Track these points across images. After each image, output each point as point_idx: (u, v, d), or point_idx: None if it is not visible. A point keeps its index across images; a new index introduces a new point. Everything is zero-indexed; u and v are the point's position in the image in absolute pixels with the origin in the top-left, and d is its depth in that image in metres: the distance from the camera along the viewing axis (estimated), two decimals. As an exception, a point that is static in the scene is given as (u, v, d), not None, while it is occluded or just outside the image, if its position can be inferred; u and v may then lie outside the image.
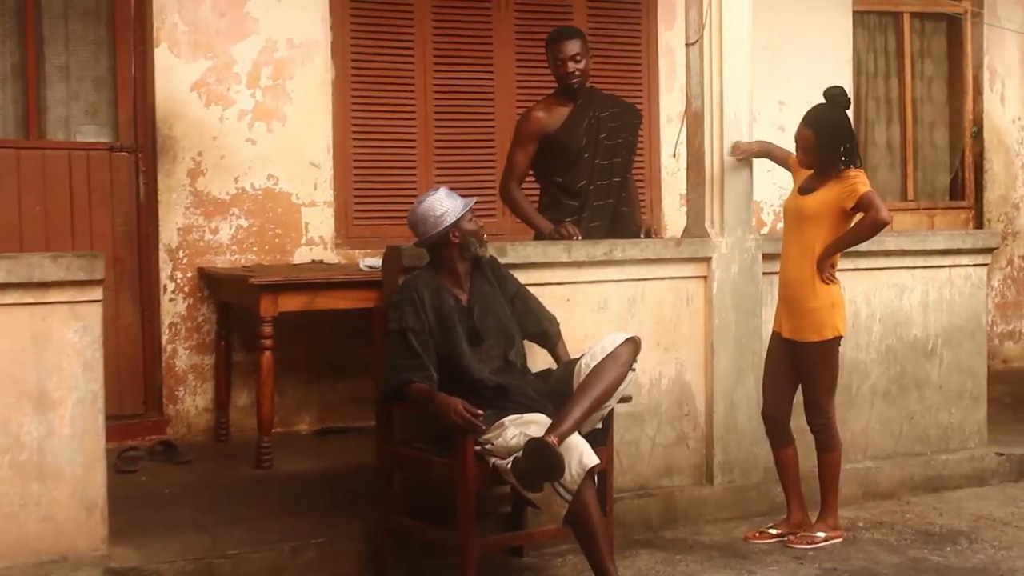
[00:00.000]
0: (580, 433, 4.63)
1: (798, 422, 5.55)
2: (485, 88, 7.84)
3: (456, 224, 4.94)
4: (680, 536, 5.62)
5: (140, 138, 7.04)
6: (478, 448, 4.65)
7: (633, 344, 4.86)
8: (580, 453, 4.51)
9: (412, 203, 5.08)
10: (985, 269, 6.72)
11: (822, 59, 8.79)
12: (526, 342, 5.16)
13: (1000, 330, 9.74)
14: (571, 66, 5.96)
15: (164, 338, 7.00)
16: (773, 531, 5.56)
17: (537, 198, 6.21)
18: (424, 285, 4.93)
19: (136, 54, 7.04)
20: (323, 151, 7.38)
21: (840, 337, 5.44)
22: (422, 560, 5.13)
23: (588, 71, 6.03)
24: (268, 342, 6.30)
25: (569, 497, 4.49)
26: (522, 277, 5.28)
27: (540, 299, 5.26)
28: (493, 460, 4.63)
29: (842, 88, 5.41)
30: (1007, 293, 9.82)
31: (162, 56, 6.97)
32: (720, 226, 5.91)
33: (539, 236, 5.95)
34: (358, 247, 7.42)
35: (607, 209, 6.10)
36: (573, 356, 5.09)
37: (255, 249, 7.19)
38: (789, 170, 5.65)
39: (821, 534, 5.48)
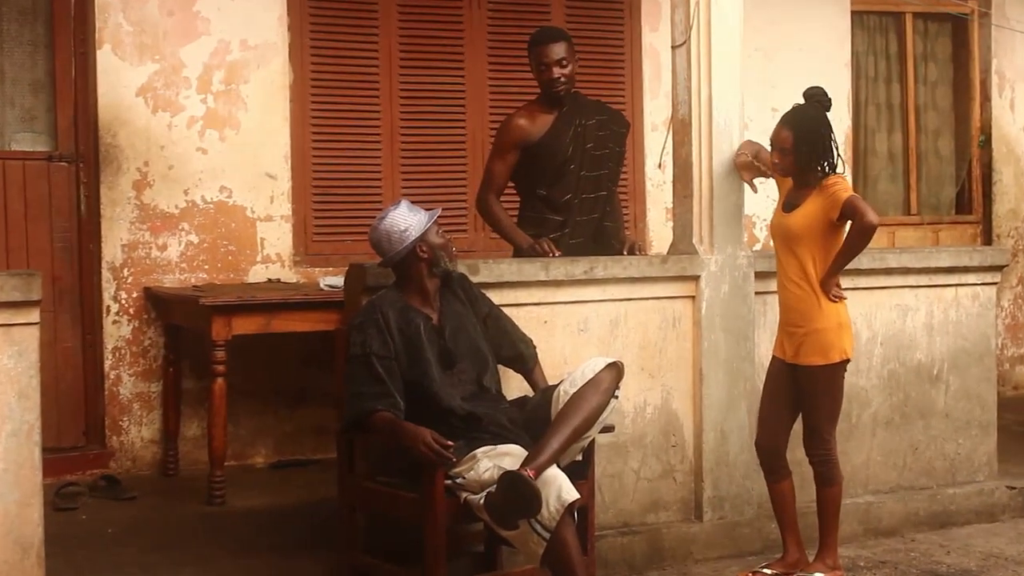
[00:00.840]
0: (559, 466, 4.62)
1: (793, 454, 5.56)
2: (455, 93, 7.86)
3: (423, 238, 4.94)
4: (667, 577, 5.62)
5: (81, 147, 7.03)
6: (448, 482, 4.63)
7: (616, 369, 4.86)
8: (559, 487, 4.50)
9: (376, 217, 5.08)
10: (994, 288, 6.75)
11: (818, 62, 8.83)
12: (500, 367, 5.16)
13: (1010, 354, 9.78)
14: (556, 71, 5.93)
15: (107, 364, 6.97)
16: (767, 571, 5.56)
17: (517, 212, 6.19)
18: (389, 306, 4.93)
19: (77, 56, 7.03)
20: (280, 161, 7.38)
21: (847, 361, 5.43)
22: (387, 604, 5.12)
23: (574, 76, 6.01)
24: (220, 368, 6.28)
25: (547, 535, 4.49)
26: (496, 297, 5.28)
27: (515, 320, 5.26)
28: (465, 495, 4.61)
29: (822, 88, 5.44)
30: (1017, 314, 9.85)
31: (105, 58, 6.96)
32: (709, 242, 5.93)
33: (518, 253, 5.94)
34: (318, 265, 7.42)
35: (591, 224, 6.10)
36: (551, 382, 5.09)
37: (206, 267, 7.17)
38: (774, 179, 5.67)
39: (819, 575, 5.49)
